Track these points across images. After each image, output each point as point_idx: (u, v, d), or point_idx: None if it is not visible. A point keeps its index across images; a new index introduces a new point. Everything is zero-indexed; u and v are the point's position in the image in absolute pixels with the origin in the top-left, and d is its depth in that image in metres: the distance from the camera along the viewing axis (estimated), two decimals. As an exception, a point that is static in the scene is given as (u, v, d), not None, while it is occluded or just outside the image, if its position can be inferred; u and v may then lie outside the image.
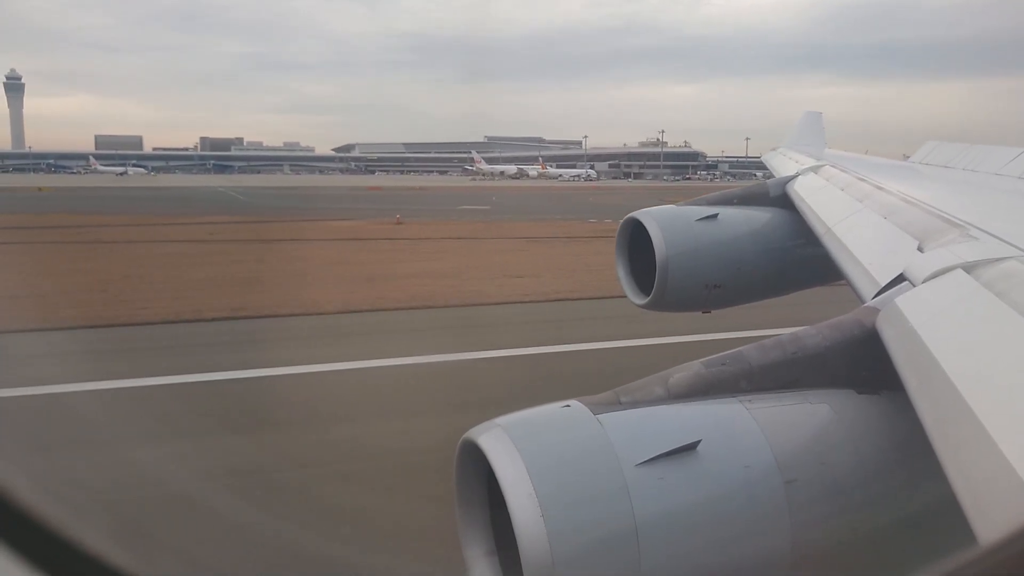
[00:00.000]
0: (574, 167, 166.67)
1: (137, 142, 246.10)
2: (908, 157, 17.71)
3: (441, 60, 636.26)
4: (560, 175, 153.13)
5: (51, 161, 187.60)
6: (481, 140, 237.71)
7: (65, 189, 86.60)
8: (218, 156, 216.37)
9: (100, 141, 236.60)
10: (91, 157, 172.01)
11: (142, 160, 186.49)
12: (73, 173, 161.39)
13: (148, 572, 1.46)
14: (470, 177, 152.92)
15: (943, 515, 2.23)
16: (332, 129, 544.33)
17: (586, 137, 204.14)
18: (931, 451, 2.26)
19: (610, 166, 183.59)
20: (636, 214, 8.69)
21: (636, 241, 8.72)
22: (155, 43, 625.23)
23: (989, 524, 1.82)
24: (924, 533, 2.91)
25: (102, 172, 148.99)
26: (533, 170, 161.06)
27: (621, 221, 8.99)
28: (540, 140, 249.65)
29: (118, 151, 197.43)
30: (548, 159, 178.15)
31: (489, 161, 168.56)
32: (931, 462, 2.22)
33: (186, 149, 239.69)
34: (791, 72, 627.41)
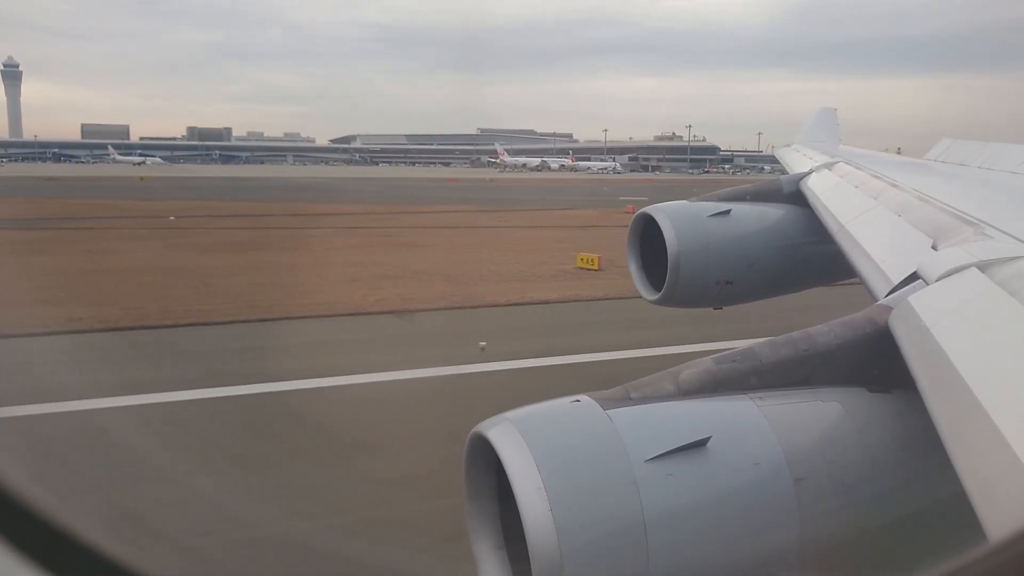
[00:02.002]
0: (589, 159, 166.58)
1: (124, 131, 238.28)
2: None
3: (408, 51, 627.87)
4: (589, 167, 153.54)
5: (56, 150, 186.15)
6: (474, 132, 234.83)
7: (161, 180, 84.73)
8: (223, 146, 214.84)
9: (86, 130, 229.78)
10: (110, 146, 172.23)
11: (148, 150, 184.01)
12: (82, 162, 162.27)
13: (151, 571, 1.46)
14: (497, 169, 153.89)
15: (954, 514, 2.22)
16: (307, 120, 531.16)
17: (606, 131, 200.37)
18: (943, 450, 2.24)
19: (630, 159, 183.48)
20: (648, 209, 8.65)
21: (648, 237, 8.69)
22: (113, 30, 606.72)
23: (1000, 523, 1.81)
24: (934, 532, 2.90)
25: (120, 161, 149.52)
26: (555, 163, 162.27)
27: (633, 216, 8.97)
28: (532, 132, 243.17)
29: (122, 140, 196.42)
30: (571, 153, 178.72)
31: (500, 154, 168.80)
32: (943, 461, 2.21)
33: (173, 139, 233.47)
34: (759, 67, 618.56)
